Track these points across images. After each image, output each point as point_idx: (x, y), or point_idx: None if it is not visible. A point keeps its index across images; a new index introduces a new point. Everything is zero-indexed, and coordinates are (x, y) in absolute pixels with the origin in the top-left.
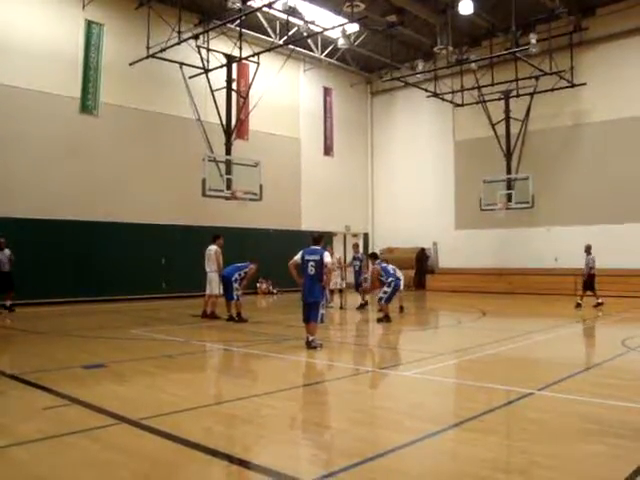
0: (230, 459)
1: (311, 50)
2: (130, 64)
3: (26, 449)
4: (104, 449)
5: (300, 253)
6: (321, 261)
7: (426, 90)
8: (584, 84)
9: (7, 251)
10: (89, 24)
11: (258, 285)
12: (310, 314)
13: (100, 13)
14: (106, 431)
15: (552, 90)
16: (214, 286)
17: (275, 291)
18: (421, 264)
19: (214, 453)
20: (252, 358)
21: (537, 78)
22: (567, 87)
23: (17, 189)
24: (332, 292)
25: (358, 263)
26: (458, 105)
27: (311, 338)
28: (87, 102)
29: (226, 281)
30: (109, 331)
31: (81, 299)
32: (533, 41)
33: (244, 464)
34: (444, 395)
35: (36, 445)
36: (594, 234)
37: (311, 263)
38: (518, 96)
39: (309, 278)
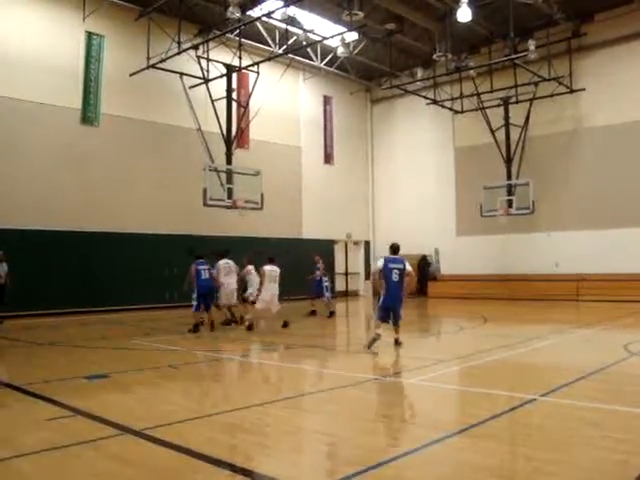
0: (233, 468)
1: (310, 59)
2: (130, 75)
3: (29, 461)
4: (108, 460)
5: (381, 262)
6: (404, 269)
7: (425, 97)
8: (583, 89)
9: (5, 265)
10: (89, 36)
11: None
12: (397, 318)
13: (100, 25)
14: (110, 442)
15: (551, 96)
16: (234, 295)
17: None
18: (423, 271)
19: (217, 463)
20: (254, 367)
21: (536, 84)
22: (566, 93)
23: (18, 200)
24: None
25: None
26: (458, 112)
27: (399, 338)
28: (88, 113)
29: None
30: (112, 341)
31: (83, 310)
32: (532, 47)
33: (247, 473)
34: (447, 402)
35: (39, 457)
36: (595, 239)
37: (395, 271)
38: (517, 102)
39: (394, 285)
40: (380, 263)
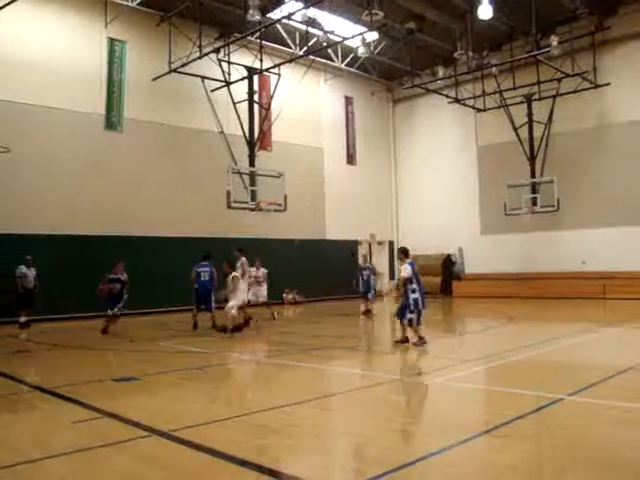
0: (261, 469)
1: (331, 60)
2: (153, 80)
3: (60, 462)
4: (136, 461)
5: (409, 268)
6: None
7: (447, 96)
8: (608, 84)
9: (34, 270)
10: (112, 42)
11: (284, 295)
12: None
13: (122, 31)
14: (137, 443)
15: (575, 92)
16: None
17: (301, 299)
18: (447, 270)
19: (244, 464)
20: (280, 368)
21: (559, 80)
22: (590, 88)
23: (44, 206)
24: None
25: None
26: (480, 110)
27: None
28: (111, 118)
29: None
30: (138, 344)
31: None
32: (554, 43)
33: (275, 474)
34: (473, 402)
35: (69, 458)
36: (622, 236)
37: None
38: (540, 99)
39: (424, 290)
40: (409, 269)
